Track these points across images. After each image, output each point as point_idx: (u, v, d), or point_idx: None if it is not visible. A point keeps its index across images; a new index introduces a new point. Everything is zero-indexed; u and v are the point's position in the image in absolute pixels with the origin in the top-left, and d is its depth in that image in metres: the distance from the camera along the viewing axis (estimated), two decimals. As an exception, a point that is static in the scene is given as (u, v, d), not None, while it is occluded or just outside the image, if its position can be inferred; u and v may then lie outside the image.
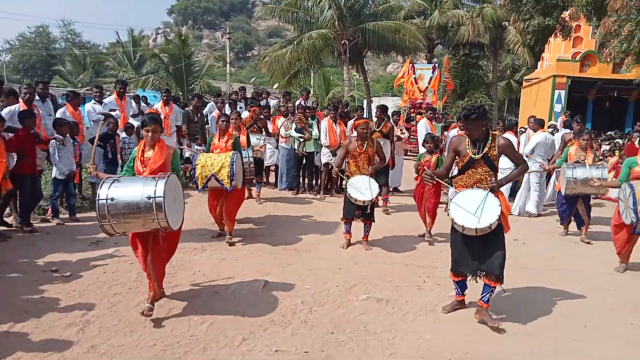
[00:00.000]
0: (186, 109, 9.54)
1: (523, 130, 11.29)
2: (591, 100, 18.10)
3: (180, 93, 21.74)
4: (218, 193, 5.80)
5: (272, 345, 3.41)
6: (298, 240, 6.13)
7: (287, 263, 5.24)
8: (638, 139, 9.81)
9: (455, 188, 3.99)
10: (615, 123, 17.66)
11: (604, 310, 4.30)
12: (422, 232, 6.50)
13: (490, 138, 3.78)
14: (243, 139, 6.74)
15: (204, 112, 10.00)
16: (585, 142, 6.67)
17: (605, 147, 11.95)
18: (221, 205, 5.87)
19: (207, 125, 10.05)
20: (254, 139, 7.76)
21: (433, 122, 9.37)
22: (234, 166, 5.45)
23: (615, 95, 17.85)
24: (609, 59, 12.41)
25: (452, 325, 3.88)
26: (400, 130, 10.17)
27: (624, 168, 5.30)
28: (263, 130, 8.42)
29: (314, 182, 9.73)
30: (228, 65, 27.09)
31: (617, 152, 10.90)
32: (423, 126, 9.25)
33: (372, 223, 6.04)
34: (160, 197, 3.43)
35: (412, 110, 17.13)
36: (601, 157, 10.80)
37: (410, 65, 18.97)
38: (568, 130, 9.08)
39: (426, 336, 3.67)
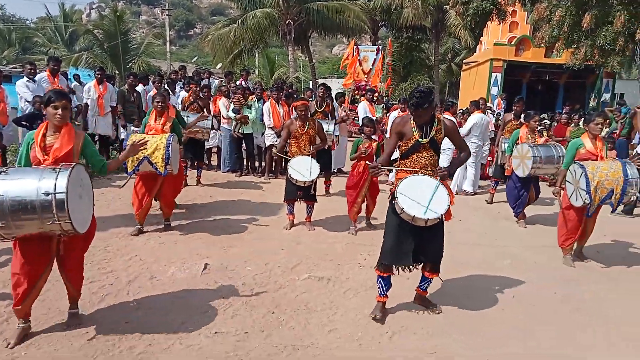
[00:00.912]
0: (121, 88, 9.11)
1: (463, 111, 11.66)
2: (525, 83, 18.94)
3: (117, 72, 20.73)
4: (149, 179, 5.30)
5: (211, 328, 3.37)
6: (240, 223, 6.06)
7: (228, 246, 5.18)
8: (566, 119, 10.40)
9: (397, 173, 3.72)
10: (547, 105, 18.58)
11: (531, 281, 4.57)
12: (351, 230, 5.98)
13: (436, 121, 3.59)
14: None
15: (140, 91, 9.57)
16: (536, 123, 6.77)
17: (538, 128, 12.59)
18: (151, 194, 5.37)
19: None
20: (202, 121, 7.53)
21: (373, 105, 9.48)
22: (170, 149, 5.09)
23: (547, 78, 18.77)
24: (541, 44, 13.01)
25: (390, 302, 3.98)
26: (345, 111, 10.24)
27: (571, 149, 5.11)
28: (205, 110, 8.20)
29: (257, 163, 9.63)
30: (168, 43, 26.06)
31: (545, 133, 11.50)
32: (363, 109, 9.35)
33: (315, 204, 6.07)
34: (62, 192, 2.82)
35: (356, 92, 17.27)
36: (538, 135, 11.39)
37: (355, 46, 19.05)
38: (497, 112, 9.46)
39: (365, 312, 3.76)
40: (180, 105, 8.25)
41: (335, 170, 9.90)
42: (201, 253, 4.87)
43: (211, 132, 8.72)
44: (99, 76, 8.39)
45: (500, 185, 8.15)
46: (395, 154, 3.82)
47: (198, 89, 8.22)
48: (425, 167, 3.59)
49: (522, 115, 7.20)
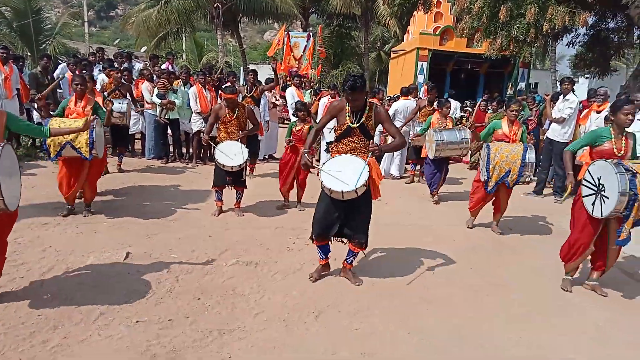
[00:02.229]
0: (33, 70, 8.44)
1: (390, 97, 12.00)
2: (449, 72, 19.74)
3: (29, 53, 19.15)
4: (74, 164, 5.15)
5: (132, 317, 3.25)
6: (166, 210, 5.87)
7: (153, 233, 5.00)
8: (484, 106, 11.02)
9: (331, 154, 3.93)
10: (469, 93, 19.53)
11: (450, 256, 4.84)
12: (280, 204, 6.42)
13: (367, 107, 3.75)
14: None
15: (55, 74, 8.92)
16: (447, 110, 7.25)
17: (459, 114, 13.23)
18: (77, 179, 5.23)
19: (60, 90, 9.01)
20: (116, 104, 7.16)
21: (301, 90, 9.51)
22: (94, 133, 4.89)
23: (469, 67, 19.69)
24: (462, 34, 13.60)
25: (318, 282, 4.06)
26: (275, 97, 10.17)
27: (489, 127, 5.61)
28: (128, 95, 7.81)
29: (184, 150, 9.35)
30: (86, 24, 24.39)
31: (463, 120, 12.14)
32: (291, 94, 9.36)
33: (244, 189, 6.01)
34: None
35: (287, 78, 17.18)
36: (458, 123, 11.97)
37: (286, 32, 18.92)
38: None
39: (293, 293, 3.80)
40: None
41: (267, 157, 9.85)
42: (123, 242, 4.67)
43: (132, 117, 8.37)
44: (3, 56, 7.65)
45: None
46: (330, 137, 4.11)
47: (119, 74, 7.79)
48: (355, 150, 3.80)
49: (436, 102, 7.59)
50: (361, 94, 3.64)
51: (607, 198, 3.73)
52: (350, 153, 3.79)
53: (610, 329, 3.56)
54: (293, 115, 6.81)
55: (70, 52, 20.34)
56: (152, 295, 3.61)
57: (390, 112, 8.74)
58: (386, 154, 8.94)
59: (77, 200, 5.59)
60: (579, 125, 7.67)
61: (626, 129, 4.00)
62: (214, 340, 3.06)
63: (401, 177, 8.97)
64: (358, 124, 3.74)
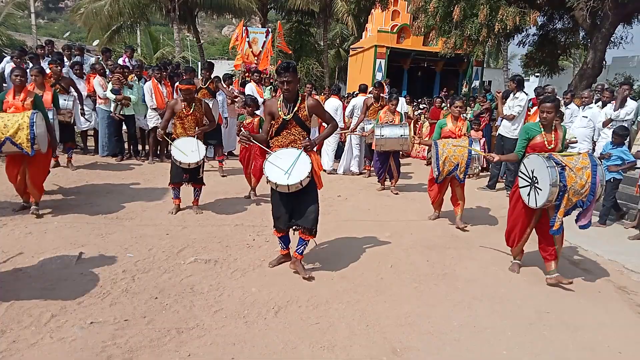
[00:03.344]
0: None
1: (349, 94, 12.11)
2: (406, 70, 20.10)
3: (-30, 45, 18.13)
4: (17, 160, 5.06)
5: (86, 318, 3.16)
6: (121, 209, 5.72)
7: (107, 233, 4.86)
8: (439, 103, 11.32)
9: (271, 149, 4.05)
10: (425, 90, 19.97)
11: (406, 250, 4.96)
12: (247, 194, 6.73)
13: (300, 98, 3.91)
14: (48, 97, 5.92)
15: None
16: (394, 106, 7.50)
17: (417, 112, 13.53)
18: (22, 174, 5.11)
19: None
20: (60, 100, 6.88)
21: (261, 86, 9.48)
22: (35, 127, 4.72)
23: (426, 65, 20.13)
24: (418, 32, 13.86)
25: (278, 278, 4.07)
26: (234, 93, 10.06)
27: (437, 128, 5.97)
28: (71, 89, 7.48)
29: (140, 147, 9.12)
30: (33, 15, 23.20)
31: (422, 116, 12.43)
32: (250, 90, 9.31)
33: (202, 187, 5.93)
34: None
35: (247, 74, 16.99)
36: (417, 118, 12.27)
37: (244, 28, 18.67)
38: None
39: (252, 290, 3.80)
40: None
41: (226, 153, 9.74)
42: (75, 242, 4.52)
43: (86, 113, 8.09)
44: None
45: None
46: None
47: (59, 68, 7.44)
48: (295, 142, 3.96)
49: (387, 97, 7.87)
50: (294, 76, 3.77)
51: (541, 189, 4.00)
52: (292, 145, 3.95)
53: (550, 313, 3.75)
54: (243, 107, 6.99)
55: (16, 45, 19.36)
56: (107, 296, 3.52)
57: (349, 108, 8.94)
58: (346, 151, 9.06)
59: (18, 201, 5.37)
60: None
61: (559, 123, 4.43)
62: (172, 339, 3.02)
63: (360, 173, 9.09)
64: (292, 115, 3.88)
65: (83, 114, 8.09)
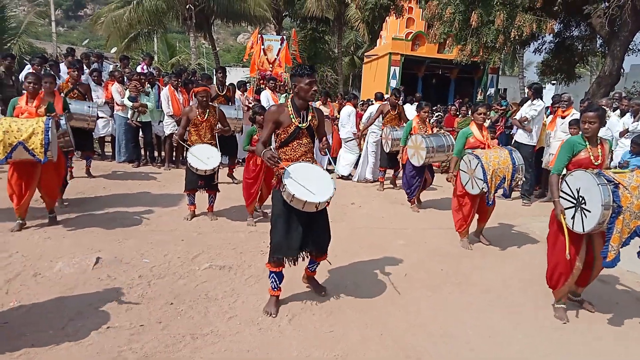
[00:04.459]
0: (-4, 71, 8.17)
1: (363, 102, 12.13)
2: (420, 77, 20.06)
3: (-7, 53, 18.52)
4: (25, 169, 4.81)
5: (103, 323, 3.20)
6: (137, 215, 5.79)
7: (124, 238, 4.92)
8: (455, 111, 11.27)
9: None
10: (440, 98, 19.90)
11: (420, 258, 4.93)
12: (248, 222, 5.89)
13: (311, 107, 3.61)
14: (58, 105, 5.99)
15: (20, 76, 8.67)
16: (426, 114, 7.10)
17: (432, 120, 13.50)
18: (29, 186, 4.88)
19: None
20: (84, 107, 7.01)
21: (276, 93, 9.53)
22: (49, 133, 4.60)
23: (440, 73, 20.08)
24: (434, 40, 13.85)
25: (291, 285, 4.05)
26: (248, 100, 10.14)
27: (461, 138, 5.34)
28: (86, 97, 7.60)
29: (155, 153, 9.23)
30: (53, 23, 23.73)
31: (438, 125, 12.37)
32: (265, 98, 9.36)
33: (217, 193, 5.97)
34: None
35: (262, 81, 17.13)
36: (433, 126, 12.20)
37: (259, 35, 18.84)
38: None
39: (267, 297, 3.79)
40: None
41: (241, 160, 9.79)
42: (93, 247, 4.58)
43: (103, 119, 8.22)
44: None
45: (388, 174, 8.73)
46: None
47: (77, 73, 7.56)
48: (305, 154, 3.56)
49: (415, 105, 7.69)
50: (313, 83, 3.42)
51: (589, 211, 3.41)
52: (302, 159, 3.53)
53: (567, 323, 3.69)
54: (250, 120, 6.13)
55: (37, 52, 19.76)
56: (123, 301, 3.56)
57: (366, 115, 8.94)
58: (363, 158, 9.07)
59: (41, 205, 5.45)
60: (547, 131, 7.93)
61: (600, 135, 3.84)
62: (187, 345, 3.04)
63: (375, 181, 9.06)
64: (306, 125, 3.51)
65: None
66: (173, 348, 2.99)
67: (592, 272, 3.83)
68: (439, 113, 12.75)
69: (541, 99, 7.91)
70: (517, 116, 7.95)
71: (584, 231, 3.48)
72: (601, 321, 3.80)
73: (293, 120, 3.48)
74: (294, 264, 3.59)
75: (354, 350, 3.13)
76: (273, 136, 3.63)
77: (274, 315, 3.51)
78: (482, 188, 5.00)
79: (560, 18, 13.06)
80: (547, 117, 8.22)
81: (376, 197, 7.82)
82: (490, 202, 5.13)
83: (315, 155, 3.75)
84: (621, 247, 3.40)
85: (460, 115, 10.95)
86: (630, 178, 3.42)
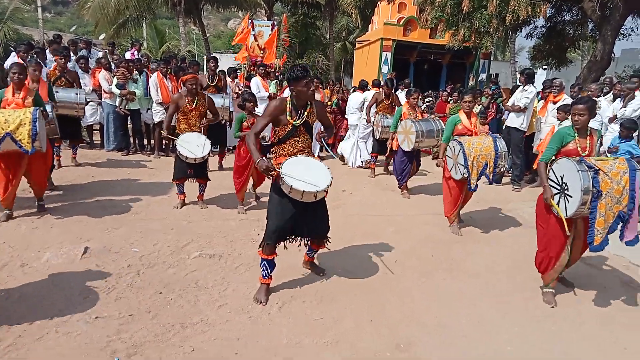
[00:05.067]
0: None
1: (354, 88, 12.05)
2: (412, 63, 19.95)
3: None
4: (12, 158, 4.75)
5: (92, 313, 3.19)
6: (126, 203, 5.74)
7: (112, 227, 4.89)
8: (446, 97, 11.24)
9: (274, 159, 3.60)
10: (432, 83, 19.83)
11: (412, 245, 4.94)
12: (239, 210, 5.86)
13: (309, 103, 3.57)
14: (43, 92, 5.87)
15: (5, 64, 8.51)
16: (415, 100, 7.05)
17: (423, 105, 13.46)
18: (15, 177, 4.82)
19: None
20: (71, 94, 6.88)
21: (267, 80, 9.44)
22: (37, 124, 4.55)
23: (432, 58, 19.97)
24: (425, 25, 13.75)
25: (282, 273, 4.04)
26: (238, 87, 10.04)
27: (449, 125, 5.39)
28: (75, 85, 7.45)
29: (145, 141, 9.14)
30: (39, 9, 23.28)
31: (429, 110, 12.35)
32: (255, 84, 9.27)
33: (207, 181, 5.93)
34: None
35: (252, 68, 16.96)
36: (424, 111, 12.17)
37: (250, 21, 18.61)
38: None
39: (257, 284, 3.79)
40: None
41: (231, 148, 9.73)
42: (81, 236, 4.55)
43: (91, 107, 8.10)
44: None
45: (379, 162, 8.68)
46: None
47: (63, 60, 7.39)
48: (303, 150, 3.61)
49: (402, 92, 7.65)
50: (307, 85, 3.43)
51: (571, 197, 3.57)
52: (300, 155, 3.57)
53: (555, 308, 3.73)
54: (239, 107, 6.02)
55: (23, 39, 19.41)
56: (112, 290, 3.55)
57: (359, 101, 8.89)
58: (354, 143, 9.04)
59: (29, 195, 5.39)
60: (537, 117, 7.93)
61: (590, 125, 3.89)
62: (176, 334, 3.04)
63: (363, 167, 9.01)
64: (302, 122, 3.53)
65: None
66: (162, 337, 2.99)
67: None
68: (430, 99, 12.70)
69: (533, 85, 7.89)
70: (510, 103, 7.93)
71: (567, 215, 3.63)
72: (588, 305, 3.85)
73: (289, 118, 3.51)
74: (285, 248, 3.67)
75: (345, 337, 3.15)
76: (270, 131, 3.71)
77: (264, 303, 3.52)
78: (464, 174, 5.10)
79: (552, 2, 13.00)
80: (537, 103, 8.21)
81: (367, 184, 7.81)
82: (471, 188, 5.19)
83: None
84: (609, 233, 3.50)
85: (451, 101, 10.92)
86: (612, 165, 3.55)
